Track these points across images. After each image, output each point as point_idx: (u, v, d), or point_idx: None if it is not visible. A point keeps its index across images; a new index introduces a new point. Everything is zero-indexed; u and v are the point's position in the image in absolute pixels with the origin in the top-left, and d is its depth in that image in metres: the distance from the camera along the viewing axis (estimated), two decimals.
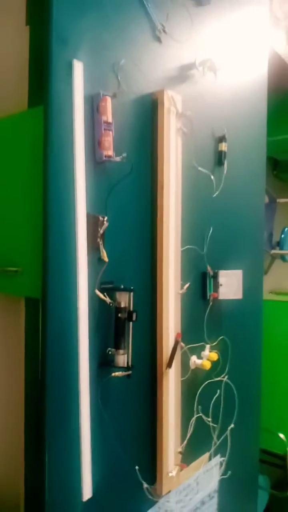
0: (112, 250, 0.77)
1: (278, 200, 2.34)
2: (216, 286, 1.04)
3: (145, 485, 0.86)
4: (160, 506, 0.92)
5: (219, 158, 1.06)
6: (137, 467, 0.85)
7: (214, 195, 1.05)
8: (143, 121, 0.85)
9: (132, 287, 0.78)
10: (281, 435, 1.84)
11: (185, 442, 0.95)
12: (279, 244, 2.33)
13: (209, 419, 1.04)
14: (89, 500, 0.74)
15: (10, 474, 0.81)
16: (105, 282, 0.77)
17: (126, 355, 0.77)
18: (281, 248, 2.32)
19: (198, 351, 1.00)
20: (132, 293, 0.78)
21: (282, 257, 2.38)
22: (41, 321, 0.70)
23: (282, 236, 2.33)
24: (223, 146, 1.06)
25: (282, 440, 1.84)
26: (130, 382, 0.81)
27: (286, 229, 2.36)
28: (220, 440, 1.09)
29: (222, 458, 1.11)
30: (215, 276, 1.04)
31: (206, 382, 1.03)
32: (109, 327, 0.78)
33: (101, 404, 0.77)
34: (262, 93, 1.28)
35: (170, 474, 0.90)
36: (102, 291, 0.76)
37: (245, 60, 1.19)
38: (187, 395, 0.97)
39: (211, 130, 1.05)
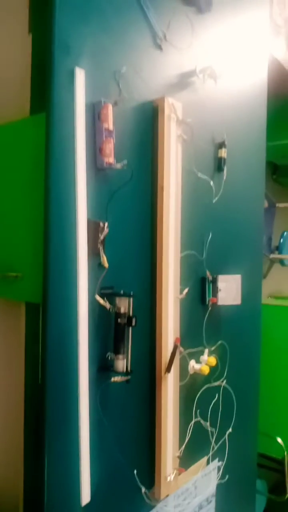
0: (112, 256, 0.78)
1: (277, 205, 2.35)
2: (215, 291, 1.04)
3: (143, 489, 0.86)
4: (158, 511, 0.92)
5: (219, 164, 1.07)
6: (135, 471, 0.85)
7: (214, 201, 1.06)
8: (143, 128, 0.86)
9: (131, 293, 0.79)
10: (279, 440, 1.84)
11: (184, 446, 0.96)
12: (278, 249, 2.34)
13: (208, 424, 1.05)
14: (87, 504, 0.75)
15: (9, 477, 0.82)
16: (105, 288, 0.78)
17: (125, 360, 0.78)
18: (280, 253, 2.33)
19: (197, 356, 1.01)
20: (131, 299, 0.79)
21: (281, 262, 2.39)
22: (41, 326, 0.70)
23: (281, 240, 2.34)
24: (223, 152, 1.07)
25: (280, 444, 1.84)
26: (129, 386, 0.81)
27: (285, 233, 2.37)
28: (218, 445, 1.09)
29: (220, 463, 1.12)
30: (214, 281, 1.04)
31: (205, 387, 1.04)
32: (109, 332, 0.79)
33: (100, 409, 0.77)
34: (261, 99, 1.30)
35: (168, 479, 0.90)
36: (102, 296, 0.76)
37: (245, 67, 1.20)
38: (185, 399, 0.97)
39: (211, 136, 1.06)
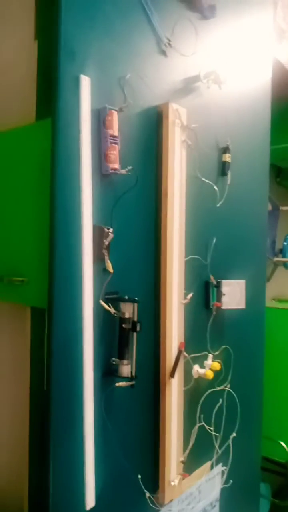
0: (117, 261, 0.78)
1: (281, 208, 2.35)
2: (219, 295, 1.05)
3: (148, 494, 0.86)
4: None
5: (223, 169, 1.08)
6: (139, 476, 0.85)
7: (218, 205, 1.06)
8: (148, 133, 0.86)
9: (136, 298, 0.79)
10: (283, 443, 1.84)
11: (188, 451, 0.96)
12: (282, 252, 2.33)
13: (211, 428, 1.05)
14: (92, 508, 0.75)
15: (15, 481, 0.82)
16: (110, 293, 0.78)
17: (130, 365, 0.78)
18: (284, 256, 2.32)
19: (201, 361, 1.01)
20: (136, 304, 0.79)
21: (285, 265, 2.38)
22: (47, 331, 0.71)
23: (285, 243, 2.34)
24: (227, 157, 1.07)
25: (284, 448, 1.84)
26: (134, 391, 0.81)
27: None
28: (222, 449, 1.09)
29: (224, 467, 1.12)
30: (218, 286, 1.04)
31: (209, 391, 1.04)
32: (113, 337, 0.79)
33: (105, 413, 0.77)
34: (265, 102, 1.30)
35: (172, 483, 0.90)
36: (106, 301, 0.77)
37: (249, 71, 1.21)
38: (189, 404, 0.97)
39: (215, 141, 1.06)
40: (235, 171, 1.10)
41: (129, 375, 0.78)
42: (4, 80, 0.86)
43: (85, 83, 0.72)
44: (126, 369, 0.78)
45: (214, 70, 1.00)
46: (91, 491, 0.74)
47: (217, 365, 1.00)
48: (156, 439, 0.90)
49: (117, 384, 0.78)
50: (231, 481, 1.14)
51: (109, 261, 0.76)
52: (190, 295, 0.95)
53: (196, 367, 0.99)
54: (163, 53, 0.90)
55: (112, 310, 0.77)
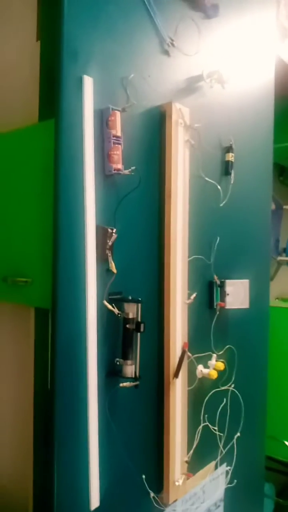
0: (120, 261, 0.78)
1: (284, 207, 2.34)
2: (223, 295, 1.04)
3: (152, 494, 0.87)
4: None
5: (226, 168, 1.07)
6: (144, 476, 0.85)
7: (221, 205, 1.06)
8: (151, 133, 0.86)
9: (140, 298, 0.79)
10: (287, 443, 1.83)
11: (192, 451, 0.96)
12: (285, 251, 2.32)
13: (216, 428, 1.05)
14: (96, 509, 0.75)
15: (19, 482, 0.82)
16: (114, 293, 0.78)
17: (134, 366, 0.78)
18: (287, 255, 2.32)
19: (205, 361, 1.01)
20: (140, 304, 0.79)
21: None
22: (51, 331, 0.71)
23: None
24: (230, 156, 1.07)
25: None
26: (138, 391, 0.81)
27: None
28: (226, 449, 1.09)
29: (229, 467, 1.12)
30: (222, 286, 1.04)
31: (213, 391, 1.04)
32: (117, 337, 0.79)
33: (109, 414, 0.77)
34: (269, 101, 1.29)
35: (176, 483, 0.90)
36: (110, 302, 0.77)
37: (252, 70, 1.20)
38: (193, 404, 0.97)
39: (218, 140, 1.06)
40: (238, 170, 1.10)
41: (133, 376, 0.78)
42: (7, 81, 0.86)
43: (88, 84, 0.72)
44: (130, 369, 0.78)
45: (217, 70, 1.00)
46: (95, 491, 0.75)
47: (221, 365, 1.00)
48: (160, 439, 0.90)
49: (121, 385, 0.78)
50: (235, 481, 1.14)
51: (112, 262, 0.76)
52: (193, 295, 0.95)
53: (200, 367, 0.99)
54: (166, 52, 0.89)
55: (116, 310, 0.77)
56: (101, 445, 0.75)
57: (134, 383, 0.78)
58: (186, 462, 0.93)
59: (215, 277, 1.03)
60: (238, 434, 1.13)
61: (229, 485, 1.13)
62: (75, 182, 0.71)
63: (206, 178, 1.00)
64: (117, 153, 0.74)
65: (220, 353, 1.06)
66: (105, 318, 0.77)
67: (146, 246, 0.86)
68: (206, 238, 1.02)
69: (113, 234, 0.76)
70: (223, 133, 1.07)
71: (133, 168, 0.78)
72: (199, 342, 0.99)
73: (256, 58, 1.22)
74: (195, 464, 0.98)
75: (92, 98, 0.73)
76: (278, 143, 1.38)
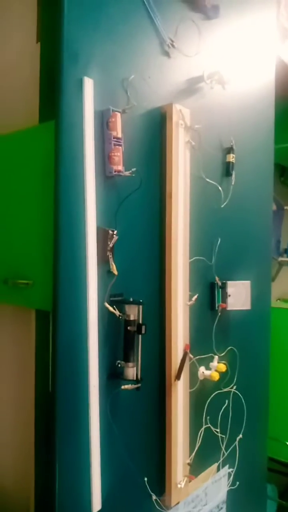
0: (121, 263, 0.78)
1: (285, 207, 2.33)
2: (225, 296, 1.04)
3: (154, 497, 0.86)
4: None
5: (227, 169, 1.07)
6: (146, 479, 0.85)
7: (222, 206, 1.06)
8: (152, 135, 0.86)
9: (141, 300, 0.79)
10: None
11: (194, 453, 0.95)
12: (287, 251, 2.32)
13: (218, 430, 1.04)
14: (98, 511, 0.75)
15: (20, 483, 0.82)
16: (115, 295, 0.78)
17: (135, 368, 0.78)
18: None
19: (206, 362, 1.01)
20: (141, 306, 0.79)
21: None
22: (52, 333, 0.71)
23: None
24: (231, 157, 1.07)
25: None
26: (139, 393, 0.81)
27: None
28: (228, 451, 1.09)
29: (231, 469, 1.11)
30: (223, 287, 1.04)
31: (215, 393, 1.03)
32: (118, 339, 0.79)
33: (110, 416, 0.77)
34: (269, 101, 1.29)
35: (178, 486, 0.90)
36: (111, 303, 0.76)
37: (253, 71, 1.20)
38: (195, 406, 0.97)
39: (219, 141, 1.06)
40: (239, 171, 1.10)
41: (135, 378, 0.78)
42: (7, 83, 0.86)
43: (88, 85, 0.72)
44: (131, 371, 0.77)
45: (217, 71, 0.99)
46: (97, 494, 0.74)
47: (222, 367, 1.00)
48: (162, 441, 0.89)
49: (122, 387, 0.77)
50: (237, 483, 1.14)
51: (113, 263, 0.76)
52: (195, 297, 0.95)
53: (202, 369, 0.99)
54: (166, 54, 0.89)
55: (117, 312, 0.76)
56: (103, 447, 0.75)
57: (136, 385, 0.78)
58: (188, 464, 0.93)
59: (217, 278, 1.03)
60: (240, 436, 1.13)
61: (231, 487, 1.13)
62: (75, 183, 0.71)
63: (207, 179, 1.00)
64: (118, 155, 0.74)
65: (222, 354, 1.05)
66: (106, 320, 0.76)
67: (147, 248, 0.86)
68: (207, 239, 1.02)
69: (114, 235, 0.76)
70: (223, 134, 1.07)
71: (133, 169, 0.78)
72: (200, 343, 0.99)
73: (256, 59, 1.22)
74: (197, 466, 0.98)
75: (92, 99, 0.72)
76: (279, 144, 1.38)
